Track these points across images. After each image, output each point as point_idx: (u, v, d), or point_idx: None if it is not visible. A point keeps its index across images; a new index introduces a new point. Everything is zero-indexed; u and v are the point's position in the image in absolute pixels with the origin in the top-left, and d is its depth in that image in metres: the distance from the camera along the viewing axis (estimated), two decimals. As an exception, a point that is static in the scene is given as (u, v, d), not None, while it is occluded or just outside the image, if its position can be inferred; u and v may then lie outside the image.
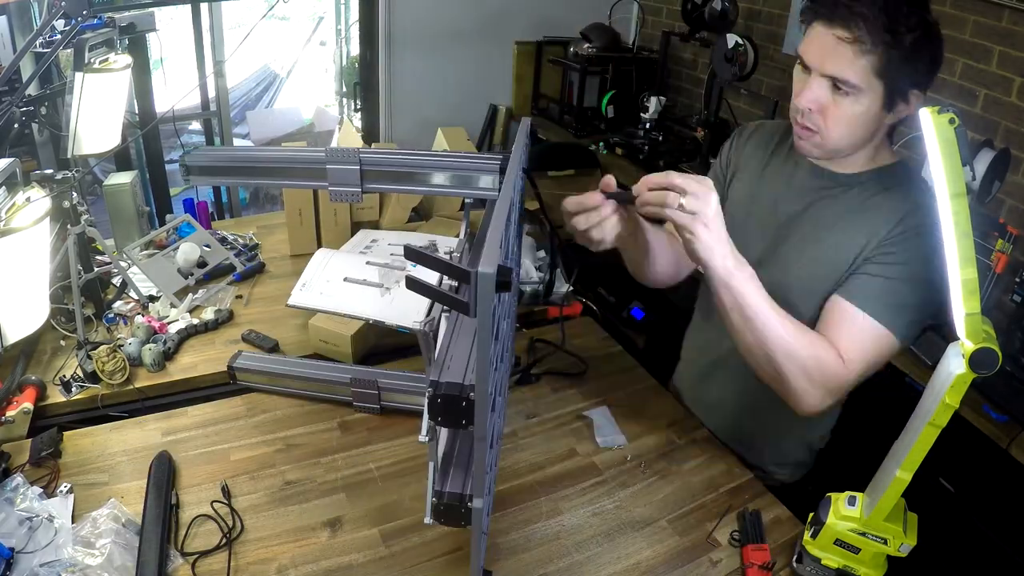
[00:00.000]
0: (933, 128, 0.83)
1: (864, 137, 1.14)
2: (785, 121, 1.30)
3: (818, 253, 1.20)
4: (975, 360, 0.83)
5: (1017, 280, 1.88)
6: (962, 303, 0.84)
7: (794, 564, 1.09)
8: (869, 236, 1.15)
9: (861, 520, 1.00)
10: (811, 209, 1.24)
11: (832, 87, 1.08)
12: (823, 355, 1.11)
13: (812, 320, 1.18)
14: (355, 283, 1.59)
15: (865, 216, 1.17)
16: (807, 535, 1.07)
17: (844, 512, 1.02)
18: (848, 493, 1.04)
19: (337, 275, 1.61)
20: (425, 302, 1.62)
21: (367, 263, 1.66)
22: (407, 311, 1.57)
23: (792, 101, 1.15)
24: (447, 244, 1.91)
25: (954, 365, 0.85)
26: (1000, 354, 0.82)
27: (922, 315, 1.13)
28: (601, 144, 3.32)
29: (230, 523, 1.10)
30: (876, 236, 1.14)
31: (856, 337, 1.12)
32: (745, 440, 1.42)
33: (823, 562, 1.05)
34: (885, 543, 0.99)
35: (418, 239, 1.92)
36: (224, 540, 1.07)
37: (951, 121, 0.82)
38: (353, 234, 2.02)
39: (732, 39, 2.76)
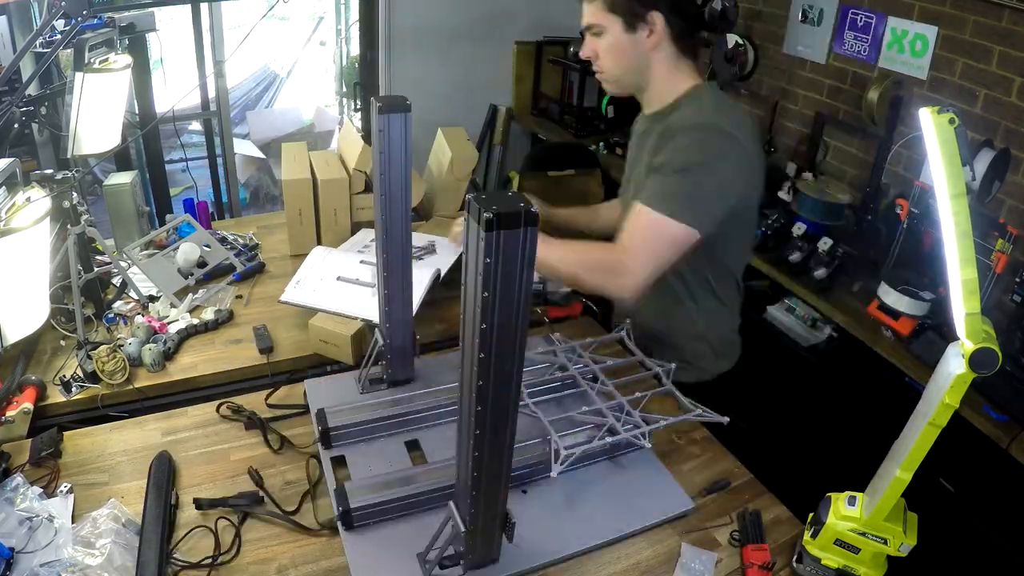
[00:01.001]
0: (933, 128, 0.83)
1: (634, 63, 1.37)
2: None
3: (630, 191, 1.43)
4: (975, 360, 0.83)
5: (1017, 280, 1.88)
6: (962, 303, 0.84)
7: (794, 564, 1.09)
8: (653, 156, 1.36)
9: (861, 520, 1.00)
10: (642, 153, 1.45)
11: (593, 36, 1.38)
12: (599, 254, 1.33)
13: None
14: (348, 282, 1.61)
15: (650, 146, 1.38)
16: (807, 535, 1.07)
17: (844, 512, 1.02)
18: (848, 493, 1.04)
19: (331, 273, 1.63)
20: (416, 298, 1.63)
21: (361, 262, 1.67)
22: None
23: None
24: (443, 245, 1.92)
25: (954, 365, 0.85)
26: (1000, 354, 0.82)
27: (705, 198, 1.28)
28: (601, 144, 3.32)
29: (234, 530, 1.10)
30: (659, 156, 1.34)
31: (634, 226, 1.31)
32: (656, 341, 1.55)
33: (823, 562, 1.05)
34: (885, 543, 0.99)
35: (418, 239, 1.91)
36: (213, 559, 1.06)
37: (951, 121, 0.82)
38: (353, 234, 2.02)
39: (732, 39, 2.76)
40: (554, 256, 1.32)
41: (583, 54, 1.42)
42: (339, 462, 1.22)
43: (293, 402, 1.38)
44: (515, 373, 0.78)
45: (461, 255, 1.85)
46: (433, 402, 1.32)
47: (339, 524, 1.08)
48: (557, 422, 1.23)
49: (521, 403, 1.23)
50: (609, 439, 1.20)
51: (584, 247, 1.36)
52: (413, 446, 1.27)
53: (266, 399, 1.38)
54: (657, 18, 1.32)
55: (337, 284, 1.60)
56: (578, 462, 1.20)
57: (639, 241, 1.30)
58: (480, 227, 0.67)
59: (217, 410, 1.35)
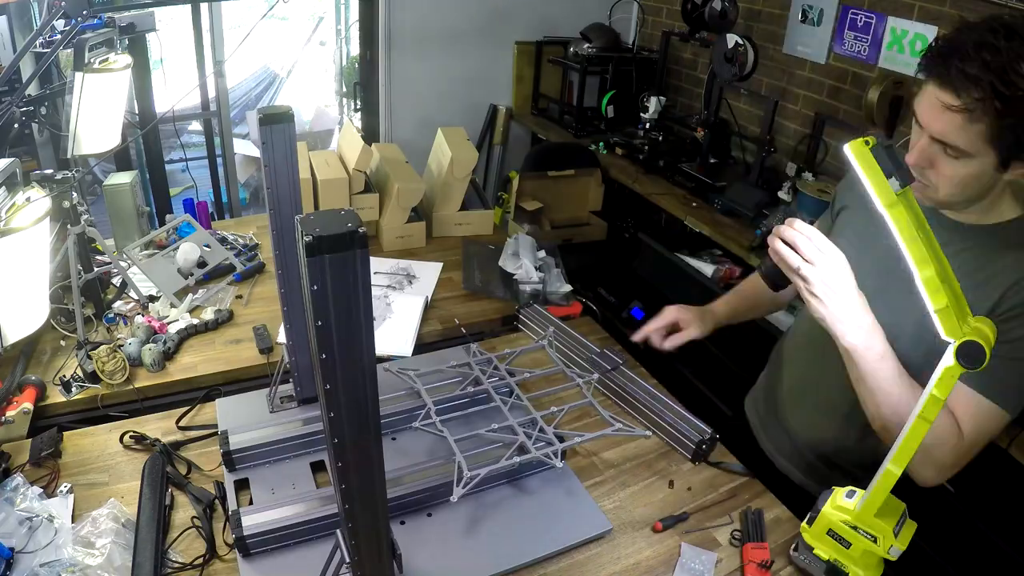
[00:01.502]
0: (854, 157, 0.87)
1: (979, 193, 1.08)
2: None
3: (912, 305, 1.09)
4: (962, 352, 0.84)
5: (1017, 280, 1.88)
6: (930, 302, 0.86)
7: (791, 552, 1.10)
8: (985, 299, 1.07)
9: (854, 513, 1.01)
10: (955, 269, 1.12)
11: (941, 148, 1.03)
12: (945, 435, 1.05)
13: (920, 366, 1.09)
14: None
15: (982, 274, 1.09)
16: (804, 523, 1.08)
17: (840, 503, 1.04)
18: (850, 488, 1.05)
19: None
20: (412, 331, 1.66)
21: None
22: (395, 340, 1.63)
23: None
24: (420, 268, 1.95)
25: (944, 360, 0.87)
26: (987, 348, 0.83)
27: None
28: (601, 144, 3.32)
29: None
30: (990, 301, 1.07)
31: (974, 419, 1.06)
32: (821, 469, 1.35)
33: (815, 551, 1.06)
34: (875, 541, 0.99)
35: (390, 265, 1.95)
36: (205, 559, 1.05)
37: (866, 143, 0.86)
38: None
39: (732, 39, 2.76)
40: (902, 401, 1.04)
41: (912, 160, 1.06)
42: (245, 484, 1.18)
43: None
44: (368, 402, 0.72)
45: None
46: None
47: (236, 550, 1.04)
48: (466, 441, 1.18)
49: (428, 421, 1.21)
50: (518, 458, 1.15)
51: (906, 400, 1.04)
52: (319, 467, 1.22)
53: (177, 421, 1.33)
54: None
55: None
56: (487, 483, 1.16)
57: (975, 434, 1.06)
58: (303, 252, 0.61)
59: (121, 440, 1.27)
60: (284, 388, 1.36)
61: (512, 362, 1.42)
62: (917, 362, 1.10)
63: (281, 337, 1.56)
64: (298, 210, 1.15)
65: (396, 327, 1.67)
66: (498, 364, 1.38)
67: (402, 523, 1.12)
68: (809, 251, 1.04)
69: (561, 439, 1.20)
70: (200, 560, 1.04)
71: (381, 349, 1.58)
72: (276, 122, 1.07)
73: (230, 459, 1.19)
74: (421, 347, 1.65)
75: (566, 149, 3.22)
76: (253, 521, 1.04)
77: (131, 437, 1.26)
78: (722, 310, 1.52)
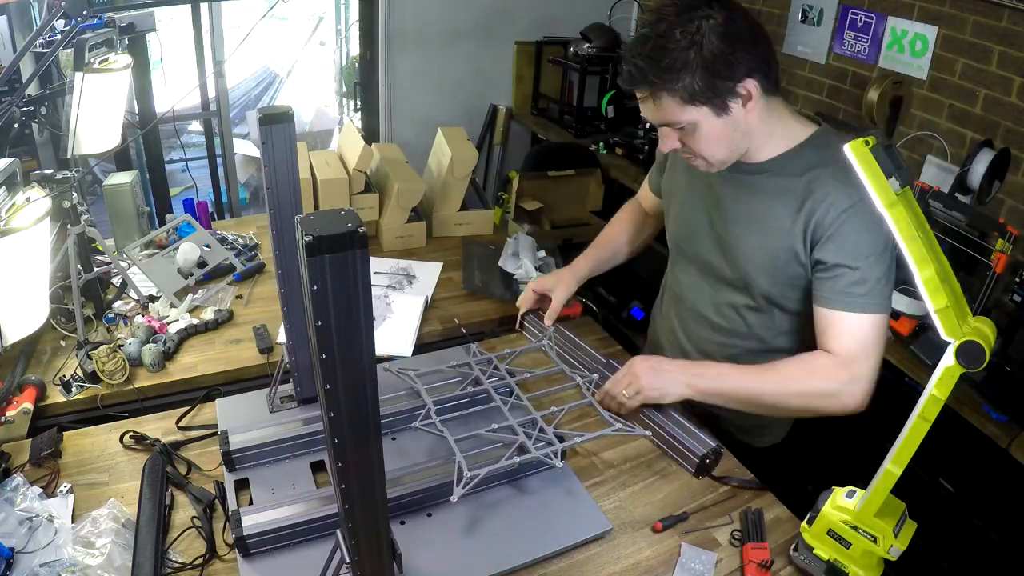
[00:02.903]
0: (854, 157, 0.86)
1: (737, 140, 1.17)
2: None
3: (763, 241, 1.25)
4: (962, 352, 0.84)
5: (1017, 280, 1.88)
6: (930, 302, 0.86)
7: (791, 552, 1.10)
8: (805, 224, 1.18)
9: (854, 513, 1.01)
10: (740, 199, 1.28)
11: (671, 128, 1.16)
12: (818, 381, 1.18)
13: (768, 286, 1.27)
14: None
15: (789, 201, 1.20)
16: (804, 523, 1.08)
17: (840, 503, 1.04)
18: (850, 488, 1.05)
19: None
20: (412, 331, 1.66)
21: None
22: (395, 340, 1.63)
23: None
24: (420, 268, 1.95)
25: (944, 360, 0.87)
26: (986, 348, 0.83)
27: (888, 280, 1.17)
28: (601, 144, 3.32)
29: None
30: (811, 224, 1.17)
31: (852, 335, 1.16)
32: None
33: (815, 551, 1.06)
34: (875, 541, 0.99)
35: (390, 265, 1.95)
36: (205, 559, 1.05)
37: (866, 143, 0.86)
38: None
39: (732, 39, 2.76)
40: (756, 389, 1.22)
41: (665, 148, 1.19)
42: (245, 484, 1.18)
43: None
44: (368, 403, 0.72)
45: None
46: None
47: (236, 551, 1.04)
48: (466, 441, 1.17)
49: (428, 421, 1.20)
50: (518, 458, 1.15)
51: (794, 372, 1.20)
52: (319, 467, 1.22)
53: (177, 421, 1.33)
54: (751, 86, 1.10)
55: None
56: (487, 483, 1.16)
57: (862, 347, 1.16)
58: (303, 252, 0.61)
59: (121, 440, 1.26)
60: (284, 388, 1.35)
61: (512, 362, 1.42)
62: (769, 285, 1.26)
63: (281, 337, 1.56)
64: (298, 210, 1.15)
65: (396, 327, 1.67)
66: (498, 364, 1.38)
67: (402, 523, 1.11)
68: (612, 389, 1.32)
69: (561, 439, 1.20)
70: (200, 560, 1.04)
71: (381, 349, 1.58)
72: (276, 122, 1.07)
73: (230, 459, 1.18)
74: (421, 347, 1.65)
75: (566, 149, 3.22)
76: (253, 521, 1.04)
77: (131, 437, 1.26)
78: (583, 265, 1.64)
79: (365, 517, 0.84)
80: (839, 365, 1.16)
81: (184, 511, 1.13)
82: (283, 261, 1.18)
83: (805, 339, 1.28)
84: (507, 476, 1.21)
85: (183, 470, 1.22)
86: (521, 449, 1.17)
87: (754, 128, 1.17)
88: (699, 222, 1.37)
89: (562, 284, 1.59)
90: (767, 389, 1.22)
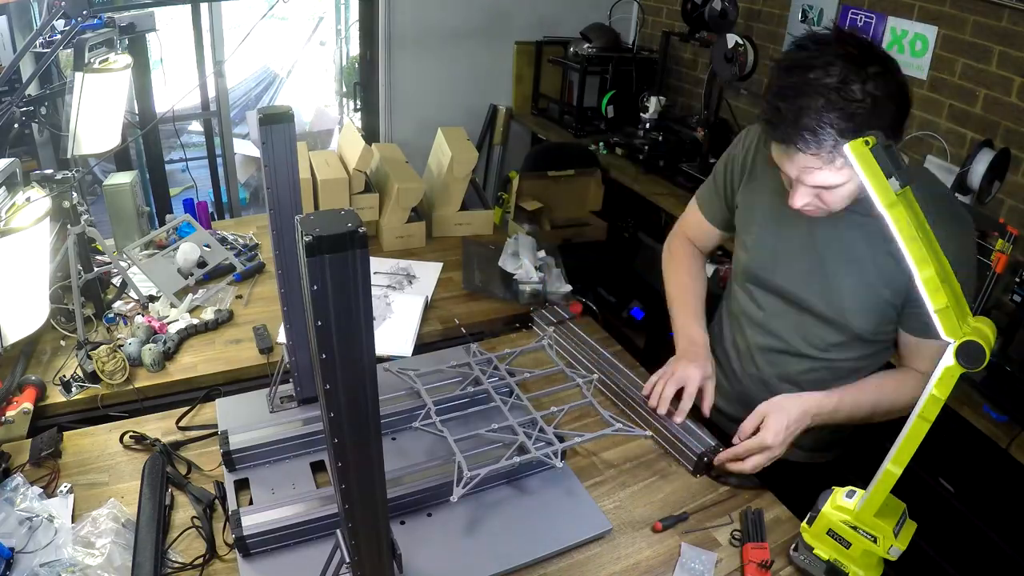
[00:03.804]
0: (854, 157, 0.86)
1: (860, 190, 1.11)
2: None
3: (863, 281, 1.21)
4: (962, 352, 0.84)
5: (1017, 280, 1.88)
6: (930, 302, 0.86)
7: (791, 552, 1.10)
8: (898, 262, 1.11)
9: (854, 513, 1.01)
10: (844, 231, 1.22)
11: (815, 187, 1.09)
12: (916, 391, 1.06)
13: (865, 326, 1.25)
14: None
15: (882, 241, 1.13)
16: (804, 523, 1.09)
17: (840, 503, 1.04)
18: (850, 488, 1.05)
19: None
20: (412, 331, 1.66)
21: None
22: (395, 340, 1.63)
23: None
24: (420, 268, 1.95)
25: (944, 360, 0.87)
26: (986, 348, 0.83)
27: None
28: (601, 144, 3.32)
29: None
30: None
31: (934, 359, 1.07)
32: None
33: (815, 551, 1.06)
34: (875, 541, 0.99)
35: (390, 265, 1.94)
36: (205, 558, 1.06)
37: (866, 143, 0.85)
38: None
39: (732, 39, 2.76)
40: (878, 405, 1.24)
41: (798, 205, 1.12)
42: (246, 484, 1.18)
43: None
44: (368, 402, 0.72)
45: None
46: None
47: (236, 550, 1.04)
48: (466, 441, 1.17)
49: (428, 421, 1.20)
50: (518, 458, 1.14)
51: (902, 387, 1.23)
52: (319, 467, 1.22)
53: (177, 421, 1.33)
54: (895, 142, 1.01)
55: None
56: (487, 483, 1.16)
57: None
58: (303, 252, 0.62)
59: (121, 440, 1.27)
60: (284, 388, 1.35)
61: (512, 362, 1.42)
62: (862, 323, 1.24)
63: (281, 337, 1.56)
64: (298, 210, 1.15)
65: (396, 327, 1.67)
66: (498, 364, 1.38)
67: (402, 523, 1.11)
68: (745, 451, 1.22)
69: (561, 439, 1.20)
70: (200, 560, 1.04)
71: (381, 349, 1.58)
72: (276, 122, 1.07)
73: (230, 459, 1.19)
74: (421, 347, 1.65)
75: (566, 149, 3.22)
76: (253, 521, 1.04)
77: (131, 437, 1.26)
78: (698, 331, 1.44)
79: (365, 517, 0.84)
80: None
81: (184, 511, 1.13)
82: (283, 261, 1.18)
83: (878, 362, 1.33)
84: (507, 476, 1.20)
85: (183, 470, 1.22)
86: (521, 449, 1.17)
87: None
88: (789, 253, 1.29)
89: (701, 371, 1.36)
90: (883, 406, 1.24)
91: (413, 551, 1.03)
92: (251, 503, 1.14)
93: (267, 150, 1.08)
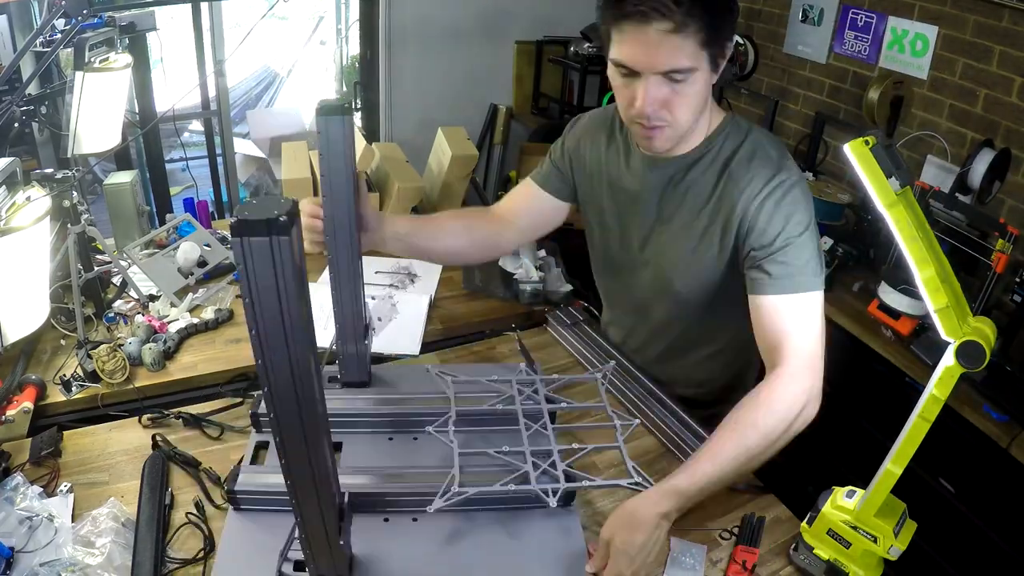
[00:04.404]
0: (853, 157, 0.86)
1: (703, 107, 1.15)
2: (610, 108, 1.34)
3: (690, 243, 1.24)
4: (962, 352, 0.84)
5: (1017, 280, 1.88)
6: (930, 302, 0.86)
7: (791, 552, 1.10)
8: (728, 214, 1.18)
9: (854, 513, 1.01)
10: (665, 200, 1.27)
11: (667, 79, 1.06)
12: (786, 403, 1.09)
13: (693, 297, 1.28)
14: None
15: (718, 194, 1.19)
16: (804, 523, 1.08)
17: (840, 503, 1.04)
18: (850, 487, 1.05)
19: (325, 310, 1.61)
20: (419, 329, 1.66)
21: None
22: (402, 339, 1.63)
23: (624, 110, 1.14)
24: (421, 267, 1.94)
25: (944, 360, 0.87)
26: (987, 348, 0.83)
27: (820, 251, 1.16)
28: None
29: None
30: (735, 213, 1.17)
31: (795, 320, 1.12)
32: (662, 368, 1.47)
33: (815, 551, 1.06)
34: (875, 541, 0.99)
35: (391, 265, 1.94)
36: (204, 550, 1.06)
37: (866, 143, 0.85)
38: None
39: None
40: (746, 454, 1.07)
41: (649, 106, 1.08)
42: (265, 447, 1.22)
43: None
44: (298, 381, 0.72)
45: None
46: (365, 408, 1.28)
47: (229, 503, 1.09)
48: (475, 456, 1.12)
49: (443, 429, 1.14)
50: (513, 487, 1.06)
51: (766, 418, 1.08)
52: (336, 448, 1.22)
53: (217, 407, 1.34)
54: (729, 47, 1.09)
55: (330, 320, 1.64)
56: (481, 504, 1.10)
57: (807, 331, 1.12)
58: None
59: (140, 420, 1.30)
60: (330, 369, 1.36)
61: (558, 388, 1.32)
62: (689, 293, 1.26)
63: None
64: (352, 201, 1.15)
65: (402, 326, 1.67)
66: (539, 388, 1.28)
67: (386, 520, 1.11)
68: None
69: (570, 478, 1.10)
70: (200, 554, 1.04)
71: (390, 348, 1.59)
72: (334, 113, 1.08)
73: (257, 420, 1.23)
74: (423, 346, 1.65)
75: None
76: (248, 479, 1.09)
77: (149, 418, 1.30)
78: (401, 225, 1.39)
79: (311, 514, 0.85)
80: (795, 375, 1.09)
81: (184, 509, 1.13)
82: (334, 247, 1.18)
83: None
84: (503, 503, 1.14)
85: (215, 433, 1.28)
86: (525, 478, 1.09)
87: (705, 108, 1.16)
88: (628, 227, 1.34)
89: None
90: (755, 454, 1.08)
91: (382, 549, 1.03)
92: (263, 463, 1.17)
93: (323, 141, 1.09)
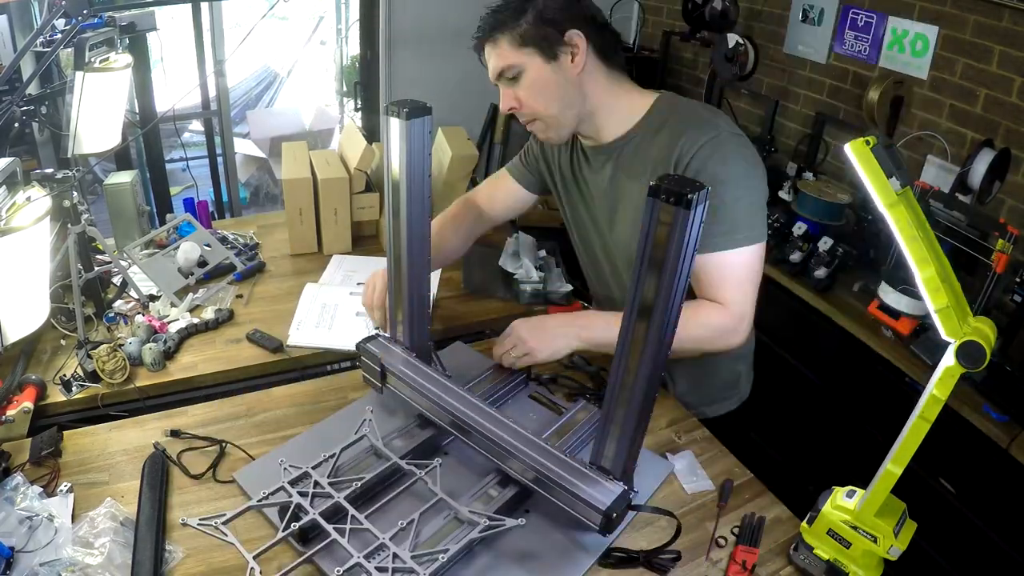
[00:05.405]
0: (854, 156, 0.87)
1: (567, 95, 1.25)
2: None
3: (629, 227, 1.33)
4: (962, 352, 0.84)
5: (1017, 280, 1.88)
6: (930, 302, 0.86)
7: (791, 552, 1.10)
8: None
9: (854, 513, 1.01)
10: (610, 188, 1.36)
11: (509, 82, 1.27)
12: (705, 321, 1.23)
13: None
14: (346, 316, 1.67)
15: (654, 164, 1.26)
16: (804, 523, 1.09)
17: (840, 503, 1.04)
18: (850, 487, 1.05)
19: (328, 311, 1.69)
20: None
21: (351, 294, 1.75)
22: None
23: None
24: None
25: (945, 360, 0.87)
26: (987, 348, 0.83)
27: (757, 208, 1.23)
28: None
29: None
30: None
31: (725, 277, 1.23)
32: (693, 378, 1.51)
33: (815, 551, 1.06)
34: (875, 541, 0.99)
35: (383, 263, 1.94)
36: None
37: (866, 143, 0.86)
38: (353, 233, 2.03)
39: (732, 39, 2.76)
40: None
41: (504, 108, 1.29)
42: None
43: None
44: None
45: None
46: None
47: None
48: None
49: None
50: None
51: (683, 323, 1.14)
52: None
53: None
54: (577, 37, 1.21)
55: (337, 319, 1.66)
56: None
57: (735, 288, 1.23)
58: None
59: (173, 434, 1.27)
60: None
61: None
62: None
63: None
64: (427, 195, 1.20)
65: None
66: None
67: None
68: (510, 356, 1.31)
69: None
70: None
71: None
72: (417, 116, 1.13)
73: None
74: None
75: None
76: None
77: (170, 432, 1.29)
78: None
79: None
80: (722, 310, 1.23)
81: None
82: (410, 246, 1.23)
83: None
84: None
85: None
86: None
87: (588, 93, 1.26)
88: (598, 220, 1.43)
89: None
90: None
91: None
92: None
93: (405, 142, 1.15)
